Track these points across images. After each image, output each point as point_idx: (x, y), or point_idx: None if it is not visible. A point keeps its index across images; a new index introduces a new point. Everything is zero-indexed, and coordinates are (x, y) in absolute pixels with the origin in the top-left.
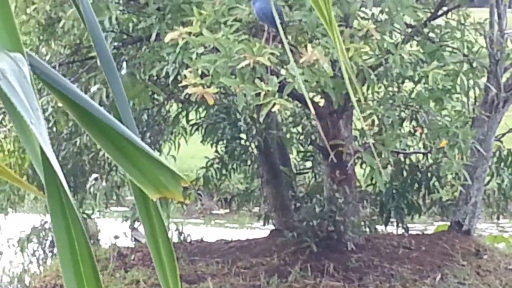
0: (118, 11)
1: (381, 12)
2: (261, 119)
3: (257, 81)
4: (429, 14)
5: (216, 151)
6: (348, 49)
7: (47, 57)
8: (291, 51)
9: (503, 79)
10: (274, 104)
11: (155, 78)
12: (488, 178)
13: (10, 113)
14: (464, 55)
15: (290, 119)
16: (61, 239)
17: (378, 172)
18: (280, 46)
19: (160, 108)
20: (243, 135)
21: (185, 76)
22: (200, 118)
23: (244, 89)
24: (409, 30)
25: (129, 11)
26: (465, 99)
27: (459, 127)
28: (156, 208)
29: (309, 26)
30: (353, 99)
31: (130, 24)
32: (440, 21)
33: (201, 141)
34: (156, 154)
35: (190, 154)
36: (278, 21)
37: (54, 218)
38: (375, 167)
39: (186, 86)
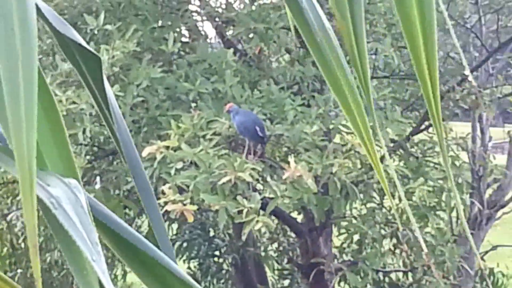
0: (91, 123)
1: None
2: (243, 238)
3: (239, 197)
4: (410, 129)
5: (189, 268)
6: (332, 165)
7: None
8: (274, 166)
9: (486, 196)
10: (257, 221)
11: (127, 192)
12: None
13: (64, 248)
14: (443, 171)
15: (267, 235)
16: None
17: None
18: (261, 161)
19: (131, 223)
20: (217, 252)
21: (163, 192)
22: (173, 234)
23: (225, 206)
24: (391, 144)
25: (102, 123)
26: (445, 216)
27: (444, 245)
28: None
29: (291, 140)
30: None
31: (102, 137)
32: (422, 136)
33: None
34: None
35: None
36: (260, 135)
37: None
38: (359, 286)
39: (164, 203)
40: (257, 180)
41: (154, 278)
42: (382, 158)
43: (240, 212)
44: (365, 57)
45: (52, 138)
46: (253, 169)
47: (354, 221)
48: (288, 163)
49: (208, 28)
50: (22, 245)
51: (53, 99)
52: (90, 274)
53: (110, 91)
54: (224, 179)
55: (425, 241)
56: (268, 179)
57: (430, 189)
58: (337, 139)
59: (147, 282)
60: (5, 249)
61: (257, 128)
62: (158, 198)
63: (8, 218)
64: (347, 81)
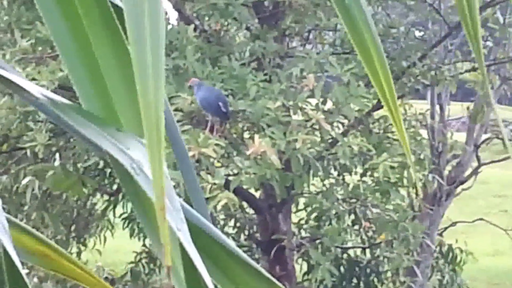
0: None
1: (323, 102)
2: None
3: (202, 173)
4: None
5: (144, 245)
6: (295, 140)
7: None
8: (237, 142)
9: (446, 172)
10: (221, 198)
11: (84, 169)
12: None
13: (140, 216)
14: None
15: (224, 212)
16: None
17: (325, 269)
18: (224, 137)
19: (86, 201)
20: None
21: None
22: (129, 212)
23: None
24: (351, 121)
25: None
26: (404, 193)
27: (407, 221)
28: None
29: (254, 116)
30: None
31: None
32: (382, 112)
33: (130, 235)
34: (253, 262)
35: (114, 248)
36: (223, 111)
37: None
38: (322, 262)
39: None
40: (221, 156)
41: (200, 250)
42: (345, 133)
43: (203, 188)
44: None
45: (126, 94)
46: (216, 144)
47: (317, 197)
48: (252, 139)
49: (166, 5)
50: None
51: (128, 53)
52: (170, 244)
53: None
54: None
55: (387, 218)
56: (233, 155)
57: (393, 164)
58: (299, 116)
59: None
60: None
61: (220, 104)
62: (110, 174)
63: None
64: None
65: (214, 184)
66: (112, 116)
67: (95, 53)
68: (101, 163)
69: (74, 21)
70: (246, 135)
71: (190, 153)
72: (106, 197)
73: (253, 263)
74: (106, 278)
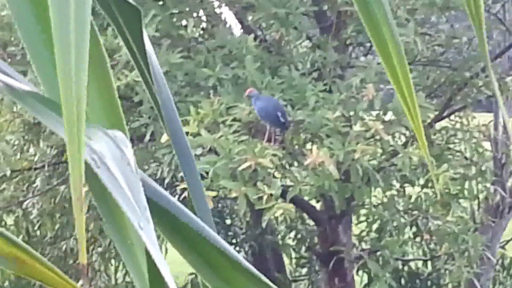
0: None
1: (384, 113)
2: (263, 225)
3: (259, 184)
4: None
5: None
6: (354, 151)
7: (36, 157)
8: (294, 153)
9: (509, 184)
10: (278, 208)
11: None
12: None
13: (106, 213)
14: (465, 158)
15: (285, 223)
16: None
17: (383, 280)
18: (282, 147)
19: None
20: (234, 240)
21: (182, 179)
22: None
23: (245, 192)
24: (412, 132)
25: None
26: (467, 204)
27: (467, 233)
28: None
29: (312, 126)
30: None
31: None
32: (444, 123)
33: None
34: (253, 268)
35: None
36: (281, 121)
37: None
38: (380, 274)
39: (183, 189)
40: (277, 166)
41: (197, 254)
42: (406, 144)
43: (260, 198)
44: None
45: (95, 86)
46: (274, 155)
47: (374, 209)
48: (310, 149)
49: (227, 14)
50: (38, 232)
51: (100, 43)
52: (135, 244)
53: (150, 48)
54: (244, 165)
55: (448, 230)
56: (289, 166)
57: (454, 175)
58: (359, 126)
59: (190, 258)
60: (20, 237)
61: (279, 114)
62: (177, 185)
63: (24, 205)
64: (393, 40)
65: (271, 194)
66: None
67: None
68: (165, 172)
69: (38, 2)
70: (305, 145)
71: (246, 164)
72: None
73: (254, 270)
74: None
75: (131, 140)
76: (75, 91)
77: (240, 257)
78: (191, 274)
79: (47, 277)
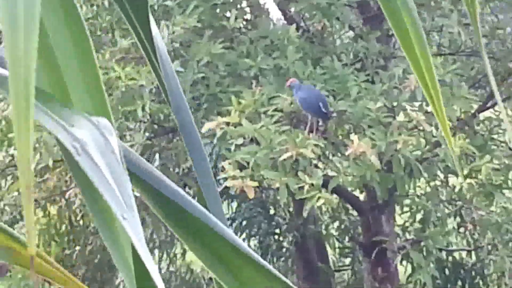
0: (150, 100)
1: (427, 103)
2: (304, 214)
3: (300, 174)
4: (476, 106)
5: (248, 246)
6: (396, 142)
7: None
8: (336, 143)
9: None
10: (319, 198)
11: (187, 169)
12: None
13: (88, 201)
14: (510, 148)
15: (328, 213)
16: None
17: (427, 271)
18: (323, 137)
19: None
20: (277, 230)
21: (223, 168)
22: (232, 212)
23: (287, 182)
24: (456, 122)
25: (161, 101)
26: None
27: (510, 223)
28: None
29: (354, 117)
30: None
31: (161, 114)
32: (487, 113)
33: None
34: (266, 263)
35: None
36: (323, 111)
37: None
38: (423, 265)
39: (223, 179)
40: (319, 156)
41: (204, 246)
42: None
43: (301, 188)
44: None
45: (78, 69)
46: (315, 145)
47: (417, 199)
48: (351, 140)
49: (270, 5)
50: (81, 222)
51: (83, 27)
52: (121, 236)
53: (158, 34)
54: (285, 155)
55: (491, 220)
56: (331, 156)
57: (497, 166)
58: (401, 117)
59: (197, 252)
60: (63, 226)
61: (321, 104)
62: (218, 175)
63: (67, 195)
64: (418, 37)
65: (312, 184)
66: (62, 92)
67: (45, 22)
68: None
69: None
70: (346, 135)
71: (288, 154)
72: None
73: (263, 261)
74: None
75: (173, 130)
76: (24, 64)
77: (254, 253)
78: None
79: (44, 269)
